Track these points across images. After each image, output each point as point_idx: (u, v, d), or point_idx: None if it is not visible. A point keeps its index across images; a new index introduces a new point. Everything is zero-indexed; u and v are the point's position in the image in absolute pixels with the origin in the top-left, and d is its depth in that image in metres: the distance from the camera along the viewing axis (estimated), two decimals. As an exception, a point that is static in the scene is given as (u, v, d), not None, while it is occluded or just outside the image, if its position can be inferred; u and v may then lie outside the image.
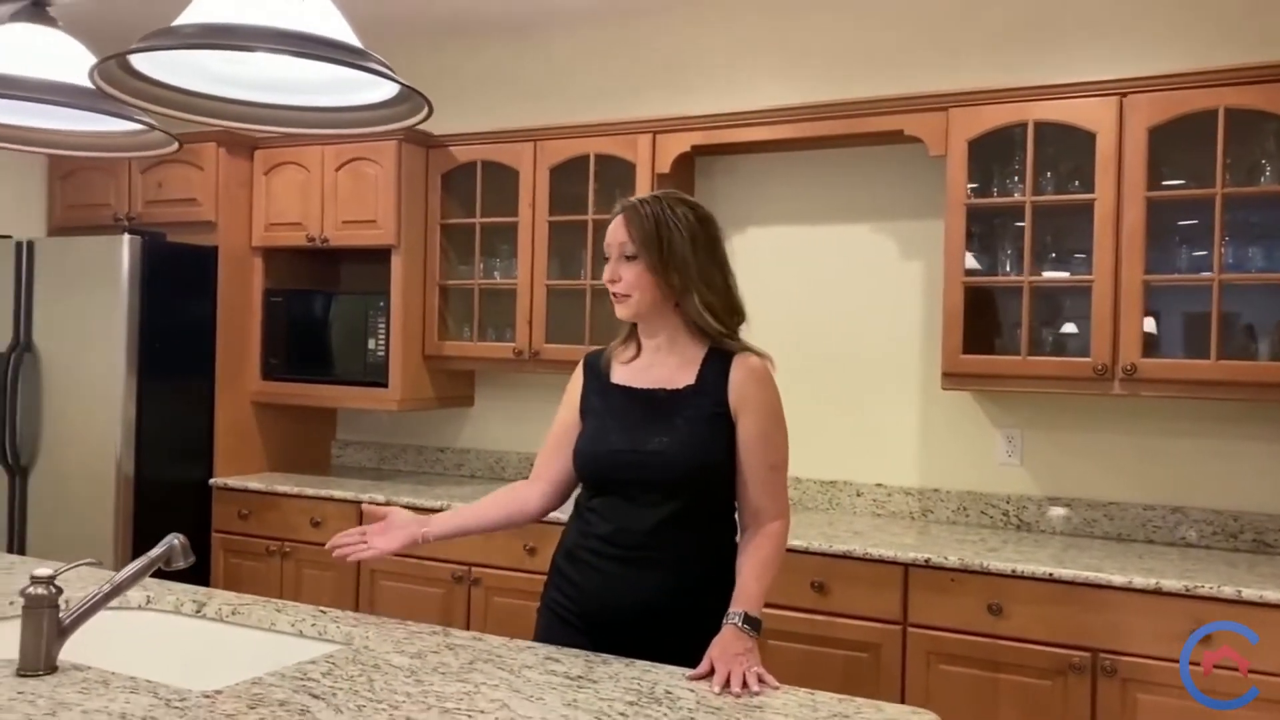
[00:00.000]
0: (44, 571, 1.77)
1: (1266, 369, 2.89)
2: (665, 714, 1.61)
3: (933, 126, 3.26)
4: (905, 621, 2.99)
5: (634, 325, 2.14)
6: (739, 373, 2.02)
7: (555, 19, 4.07)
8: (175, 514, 4.03)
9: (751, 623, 1.88)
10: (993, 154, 3.25)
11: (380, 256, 4.10)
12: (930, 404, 3.58)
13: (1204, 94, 2.93)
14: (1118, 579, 2.74)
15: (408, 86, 1.48)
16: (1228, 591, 2.56)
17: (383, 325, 4.03)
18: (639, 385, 2.08)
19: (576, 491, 2.20)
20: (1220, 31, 3.15)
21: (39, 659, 1.73)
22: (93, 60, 1.81)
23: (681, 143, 3.63)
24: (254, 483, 4.09)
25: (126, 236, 3.88)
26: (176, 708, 1.58)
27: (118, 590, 1.86)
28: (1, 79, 1.71)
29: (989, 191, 3.27)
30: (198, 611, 2.23)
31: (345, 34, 1.49)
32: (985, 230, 3.32)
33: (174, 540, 1.93)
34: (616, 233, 2.06)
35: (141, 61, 1.50)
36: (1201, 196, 2.98)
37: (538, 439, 4.17)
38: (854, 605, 3.05)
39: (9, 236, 4.19)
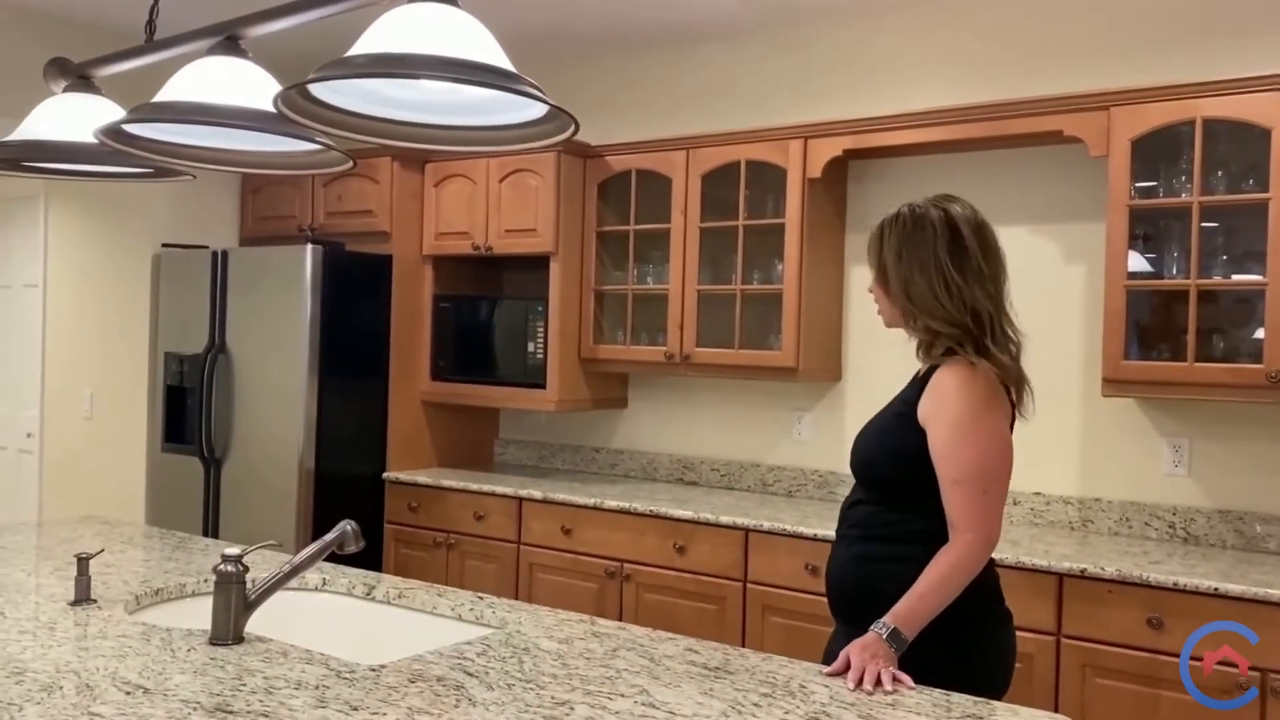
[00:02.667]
0: (233, 551, 1.95)
1: None
2: (797, 706, 1.66)
3: (1093, 126, 3.17)
4: (1059, 632, 2.93)
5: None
6: (934, 382, 2.01)
7: (705, 29, 4.15)
8: (351, 505, 4.29)
9: (895, 637, 1.86)
10: (1158, 153, 3.14)
11: (539, 263, 4.26)
12: (1092, 411, 3.48)
13: (1393, 85, 2.76)
14: (1276, 594, 2.61)
15: (556, 106, 1.58)
16: None
17: (541, 329, 4.19)
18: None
19: None
20: None
21: (228, 630, 1.91)
22: (278, 87, 1.99)
23: (833, 147, 3.65)
24: (422, 477, 4.32)
25: (309, 246, 4.17)
26: (345, 679, 1.73)
27: (296, 570, 2.03)
28: (203, 107, 1.91)
29: (1154, 192, 3.16)
30: (368, 594, 2.40)
31: (500, 58, 1.61)
32: (1150, 232, 3.21)
33: (346, 526, 2.10)
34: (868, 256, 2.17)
35: (320, 89, 1.65)
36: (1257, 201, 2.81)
37: (688, 441, 4.33)
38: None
39: (205, 247, 4.56)
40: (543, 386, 4.20)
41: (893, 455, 2.05)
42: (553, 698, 1.67)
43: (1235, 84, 2.96)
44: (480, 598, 2.32)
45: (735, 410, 4.25)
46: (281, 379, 4.22)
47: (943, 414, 1.98)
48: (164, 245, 4.64)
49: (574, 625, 2.10)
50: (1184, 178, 3.10)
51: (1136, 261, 3.18)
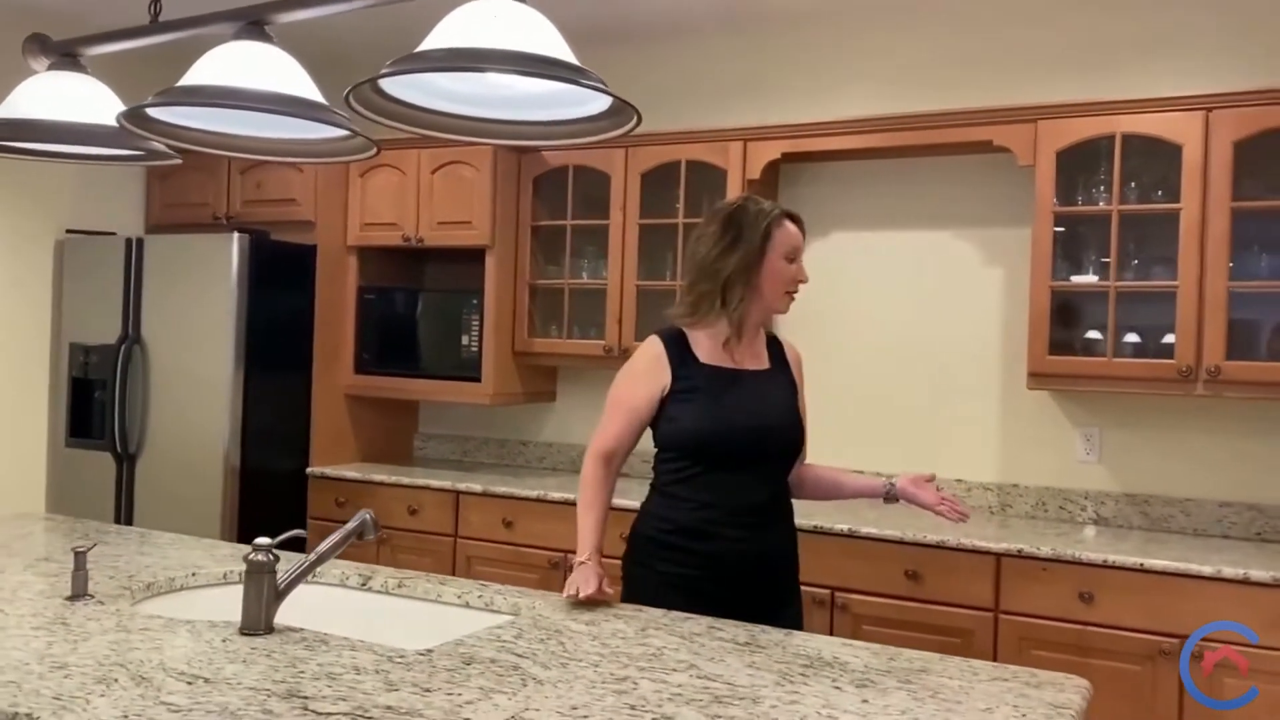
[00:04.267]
0: (264, 540, 1.93)
1: (1276, 369, 3.04)
2: (840, 674, 1.77)
3: (1022, 137, 3.41)
4: (997, 609, 3.15)
5: (738, 314, 2.32)
6: (793, 353, 2.51)
7: (646, 31, 4.23)
8: (275, 501, 4.20)
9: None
10: (1079, 164, 3.39)
11: (472, 256, 4.26)
12: (1010, 404, 3.73)
13: (1288, 110, 3.08)
14: (1207, 569, 2.89)
15: (621, 100, 1.64)
16: (1233, 574, 2.77)
17: (476, 322, 4.20)
18: (729, 366, 2.35)
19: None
20: None
21: (259, 620, 1.89)
22: (303, 73, 1.98)
23: (772, 150, 3.79)
24: (350, 472, 4.27)
25: (235, 235, 4.06)
26: (400, 663, 1.75)
27: (321, 559, 2.02)
28: (235, 91, 1.88)
29: (1073, 200, 3.41)
30: (363, 585, 2.39)
31: (567, 53, 1.66)
32: (1070, 237, 3.46)
33: (365, 515, 2.10)
34: (800, 238, 2.40)
35: (389, 84, 1.67)
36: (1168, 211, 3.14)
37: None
38: (948, 593, 3.20)
39: (114, 234, 4.37)
40: (477, 379, 4.20)
41: (803, 425, 2.46)
42: (611, 674, 1.73)
43: (1152, 103, 3.24)
44: (484, 585, 2.35)
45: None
46: (204, 371, 4.09)
47: (802, 374, 2.52)
48: (68, 231, 4.42)
49: (591, 609, 2.16)
50: (1102, 187, 3.36)
51: (1057, 265, 3.43)
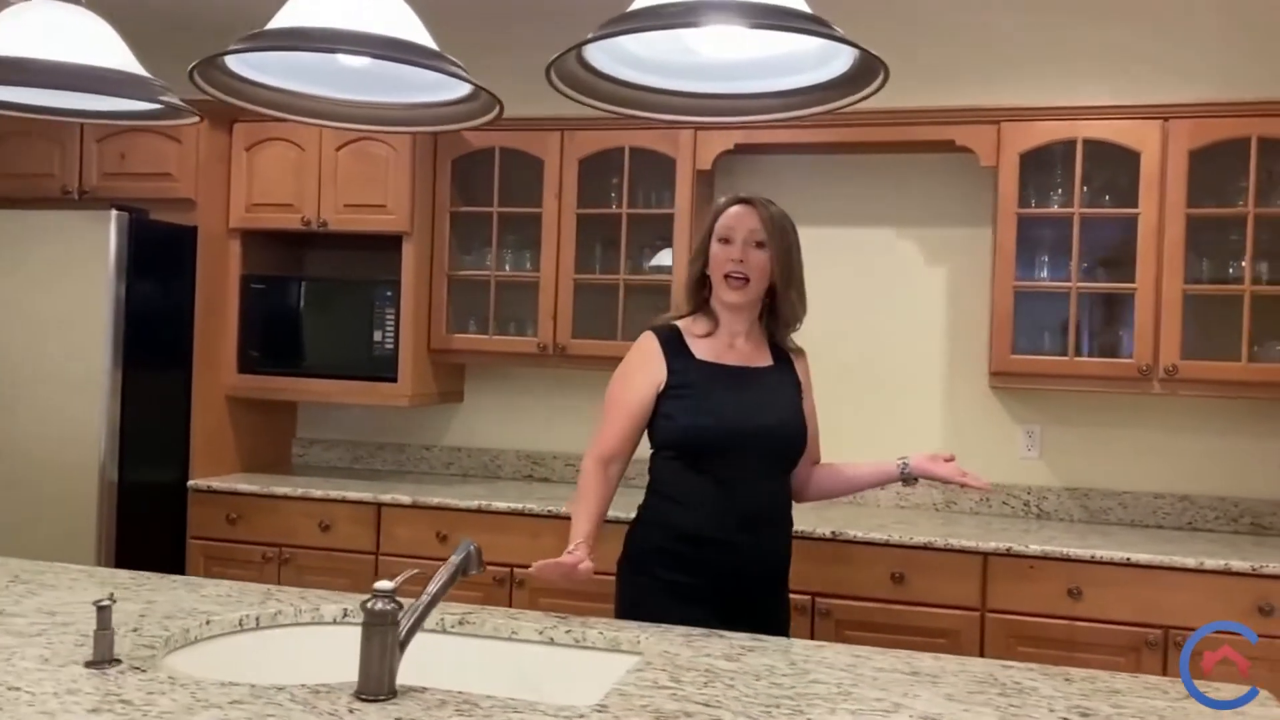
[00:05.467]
0: (385, 585, 1.60)
1: (1229, 368, 3.24)
2: (1029, 698, 1.66)
3: (985, 139, 3.43)
4: (984, 608, 3.15)
5: (704, 303, 2.31)
6: (801, 360, 2.41)
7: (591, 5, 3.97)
8: (155, 521, 3.65)
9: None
10: (1040, 167, 3.46)
11: (382, 244, 3.87)
12: (955, 401, 3.77)
13: (1239, 123, 3.25)
14: (1190, 561, 3.01)
15: (872, 55, 1.45)
16: (1190, 562, 2.97)
17: (391, 316, 3.81)
18: (727, 362, 2.25)
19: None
20: (1257, 65, 3.47)
21: (383, 681, 1.56)
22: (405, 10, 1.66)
23: (724, 140, 3.64)
24: (244, 485, 3.76)
25: (114, 213, 3.48)
26: (554, 718, 1.48)
27: (434, 602, 1.71)
28: (348, 35, 1.53)
29: (1028, 202, 3.47)
30: (412, 624, 2.05)
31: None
32: (1030, 239, 3.52)
33: (470, 546, 1.80)
34: (745, 219, 2.23)
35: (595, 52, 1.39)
36: (1234, 215, 3.31)
37: (538, 437, 4.13)
38: (933, 594, 3.18)
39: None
40: (393, 379, 3.81)
41: (805, 427, 2.34)
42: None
43: (1113, 110, 3.34)
44: (562, 618, 2.07)
45: (595, 403, 4.10)
46: (72, 370, 3.49)
47: (809, 380, 2.43)
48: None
49: (703, 640, 1.94)
50: (1061, 190, 3.45)
51: (1023, 265, 3.48)
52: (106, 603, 1.66)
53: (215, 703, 1.50)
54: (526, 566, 3.41)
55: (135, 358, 3.55)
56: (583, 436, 4.08)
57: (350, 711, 1.50)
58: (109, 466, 3.47)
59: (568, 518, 3.40)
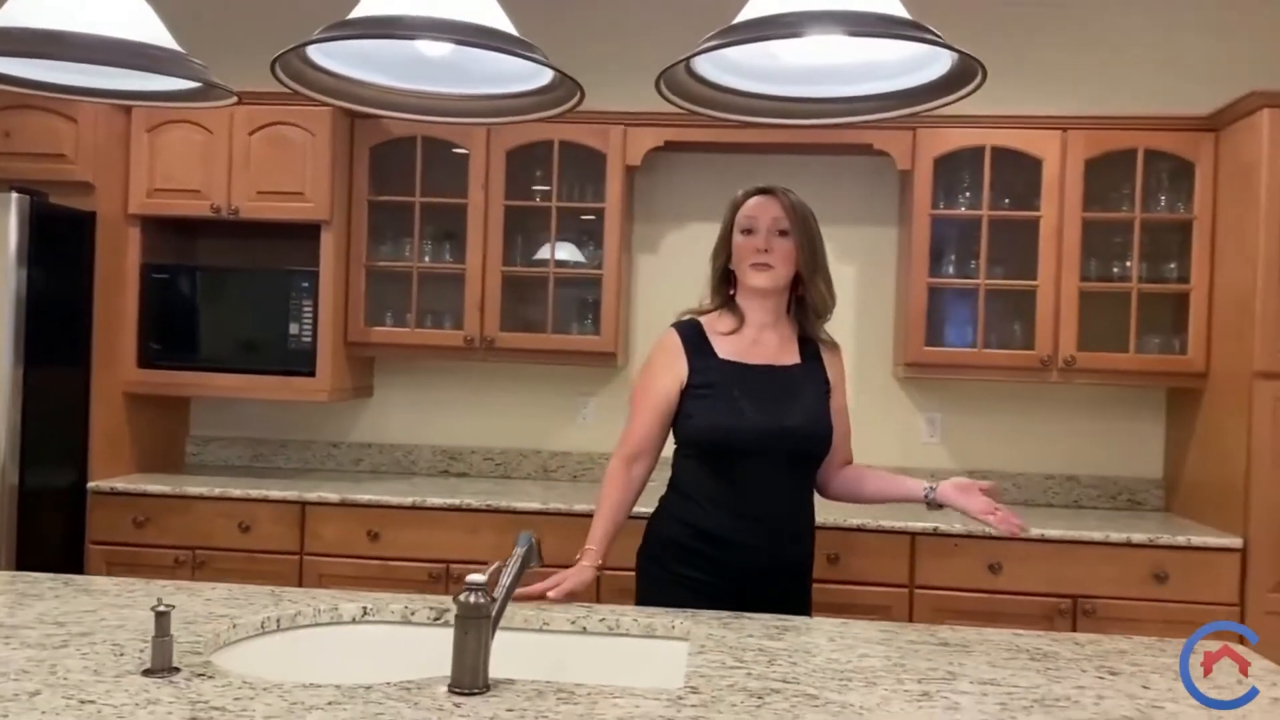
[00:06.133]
0: (478, 578, 1.60)
1: (1176, 361, 3.59)
2: (1053, 662, 1.81)
3: (901, 144, 3.63)
4: (912, 584, 3.35)
5: (731, 298, 2.30)
6: (831, 355, 2.34)
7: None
8: (52, 525, 3.42)
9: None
10: (951, 171, 3.68)
11: (296, 233, 3.73)
12: (862, 391, 3.94)
13: (1128, 135, 3.57)
14: (1097, 535, 3.29)
15: (969, 56, 1.55)
16: (1180, 540, 3.27)
17: (309, 308, 3.68)
18: (751, 361, 2.23)
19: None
20: (1145, 82, 3.80)
21: (477, 675, 1.56)
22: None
23: (655, 137, 3.71)
24: (152, 485, 3.56)
25: (14, 195, 3.22)
26: (686, 705, 1.52)
27: (509, 596, 1.71)
28: (442, 23, 1.51)
29: (939, 204, 3.70)
30: (438, 619, 2.03)
31: (900, 9, 1.53)
32: (940, 238, 3.74)
33: (531, 538, 1.81)
34: (768, 208, 2.24)
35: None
36: (1123, 219, 3.63)
37: (455, 432, 4.08)
38: (865, 573, 3.34)
39: None
40: (310, 373, 3.69)
41: (830, 428, 2.28)
42: (901, 690, 1.63)
43: (1019, 120, 3.61)
44: (589, 607, 2.09)
45: (510, 396, 4.10)
46: (-38, 367, 3.21)
47: (843, 379, 2.38)
48: None
49: (747, 622, 2.01)
50: (969, 193, 3.69)
51: (934, 262, 3.70)
52: (164, 609, 1.59)
53: (313, 704, 1.46)
54: (464, 562, 3.43)
55: (36, 353, 3.30)
56: (505, 430, 4.09)
57: (456, 706, 1.49)
58: (9, 469, 3.22)
59: (506, 511, 3.46)
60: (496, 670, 1.60)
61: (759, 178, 3.92)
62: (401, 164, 3.81)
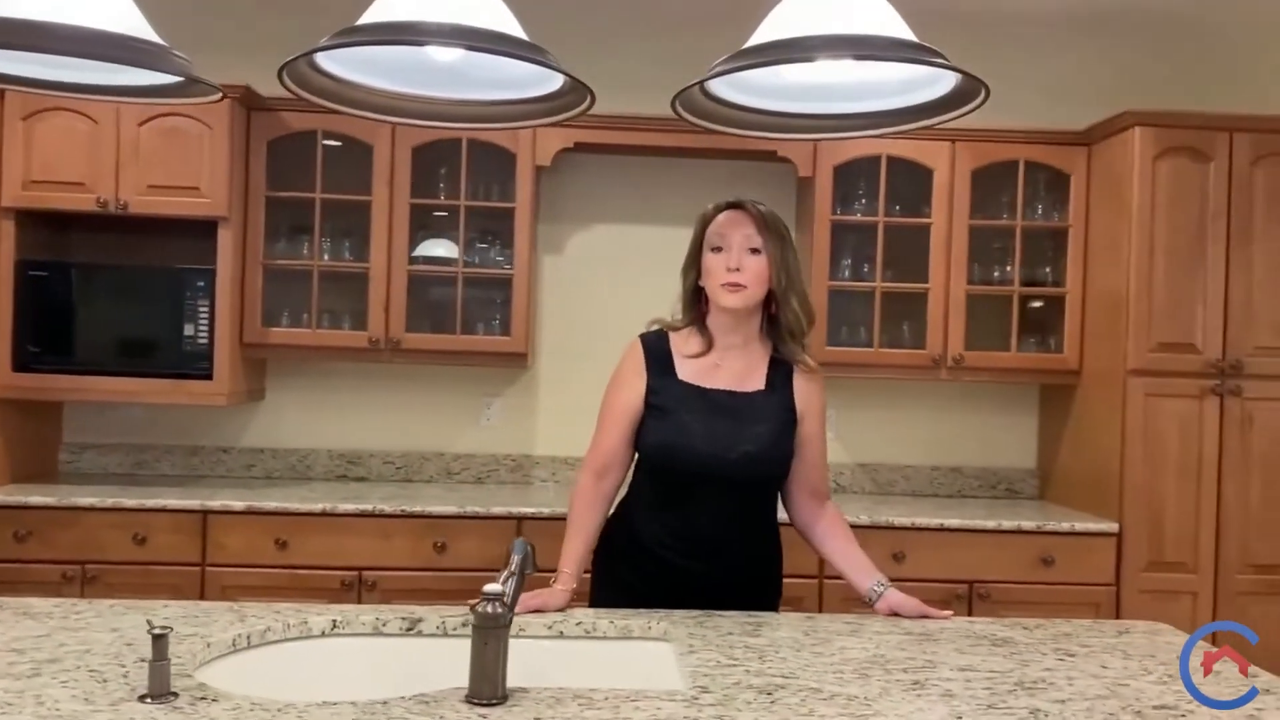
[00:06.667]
0: (495, 588, 1.59)
1: (1052, 359, 3.85)
2: (882, 630, 1.95)
3: (803, 152, 3.76)
4: (821, 575, 3.47)
5: (702, 316, 2.23)
6: (807, 382, 2.23)
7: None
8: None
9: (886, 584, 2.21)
10: (849, 178, 3.84)
11: (188, 229, 3.57)
12: (764, 389, 4.09)
13: (1010, 147, 3.80)
14: (990, 524, 3.51)
15: (970, 75, 1.64)
16: (1064, 527, 3.52)
17: (205, 308, 3.53)
18: (710, 386, 2.18)
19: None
20: (1027, 97, 4.00)
21: (496, 685, 1.55)
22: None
23: (565, 138, 3.72)
24: (35, 497, 3.34)
25: (-117, 185, 2.96)
26: (696, 703, 1.57)
27: (513, 605, 1.70)
28: (465, 30, 1.50)
29: (837, 210, 3.84)
30: (410, 630, 2.01)
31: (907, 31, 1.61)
32: (839, 243, 3.89)
33: (527, 546, 1.81)
34: (740, 224, 2.15)
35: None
36: (1004, 226, 3.86)
37: (352, 435, 3.98)
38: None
39: None
40: (208, 377, 3.53)
41: (787, 458, 2.22)
42: (894, 680, 1.72)
43: (912, 131, 3.77)
44: (564, 612, 2.09)
45: (411, 398, 4.03)
46: None
47: (819, 406, 2.26)
48: None
49: (713, 620, 2.06)
50: (865, 200, 3.85)
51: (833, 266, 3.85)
52: (162, 631, 1.52)
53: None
54: (377, 569, 3.37)
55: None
56: (406, 433, 4.02)
57: (482, 718, 1.49)
58: (-121, 483, 2.96)
59: (421, 516, 3.41)
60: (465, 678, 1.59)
61: (662, 181, 4.03)
62: (301, 159, 3.69)
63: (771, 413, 2.18)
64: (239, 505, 3.36)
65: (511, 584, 1.72)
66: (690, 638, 1.93)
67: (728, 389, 2.19)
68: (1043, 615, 2.20)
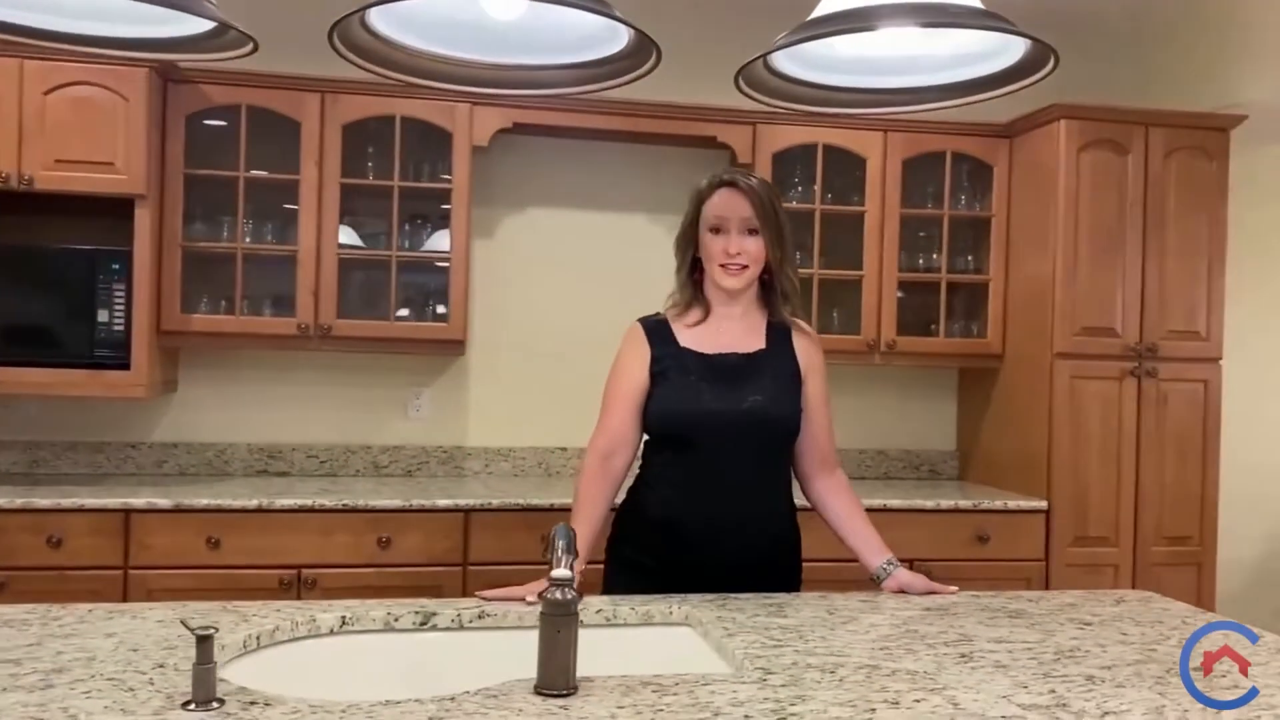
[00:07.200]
0: (565, 573, 1.52)
1: (976, 344, 3.97)
2: (897, 606, 1.99)
3: (742, 138, 3.77)
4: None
5: (698, 289, 2.26)
6: (805, 341, 2.29)
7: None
8: None
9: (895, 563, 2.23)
10: (788, 165, 3.86)
11: (100, 208, 3.31)
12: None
13: (939, 139, 3.90)
14: (929, 504, 3.59)
15: (1042, 43, 1.65)
16: (998, 505, 3.64)
17: (121, 294, 3.28)
18: (712, 350, 2.21)
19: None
20: None
21: (567, 674, 1.48)
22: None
23: (503, 118, 3.61)
24: (-68, 500, 3.04)
25: None
26: (763, 686, 1.54)
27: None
28: None
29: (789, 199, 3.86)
30: (423, 624, 1.91)
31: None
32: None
33: (571, 531, 1.73)
34: (737, 207, 2.17)
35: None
36: (932, 215, 3.96)
37: (273, 428, 3.78)
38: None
39: None
40: (125, 366, 3.28)
41: (796, 412, 2.25)
42: (897, 654, 1.73)
43: (847, 120, 3.83)
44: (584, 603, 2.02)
45: (335, 389, 3.85)
46: None
47: (821, 365, 2.31)
48: None
49: (734, 603, 2.03)
50: (801, 188, 3.89)
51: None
52: (208, 631, 1.39)
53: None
54: (318, 567, 3.20)
55: None
56: (331, 425, 3.84)
57: (564, 709, 1.42)
58: None
59: (364, 511, 3.26)
60: (496, 672, 1.53)
61: (599, 166, 3.97)
62: (224, 135, 3.48)
63: (776, 368, 2.22)
64: (166, 503, 3.14)
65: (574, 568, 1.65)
66: (720, 621, 1.90)
67: (730, 351, 2.21)
68: (981, 590, 2.23)
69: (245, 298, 3.50)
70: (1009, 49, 1.64)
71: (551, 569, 1.59)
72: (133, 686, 1.45)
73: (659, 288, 3.89)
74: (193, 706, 1.37)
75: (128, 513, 3.13)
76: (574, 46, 1.57)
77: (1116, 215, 3.70)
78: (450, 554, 3.30)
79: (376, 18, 1.40)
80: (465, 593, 3.21)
